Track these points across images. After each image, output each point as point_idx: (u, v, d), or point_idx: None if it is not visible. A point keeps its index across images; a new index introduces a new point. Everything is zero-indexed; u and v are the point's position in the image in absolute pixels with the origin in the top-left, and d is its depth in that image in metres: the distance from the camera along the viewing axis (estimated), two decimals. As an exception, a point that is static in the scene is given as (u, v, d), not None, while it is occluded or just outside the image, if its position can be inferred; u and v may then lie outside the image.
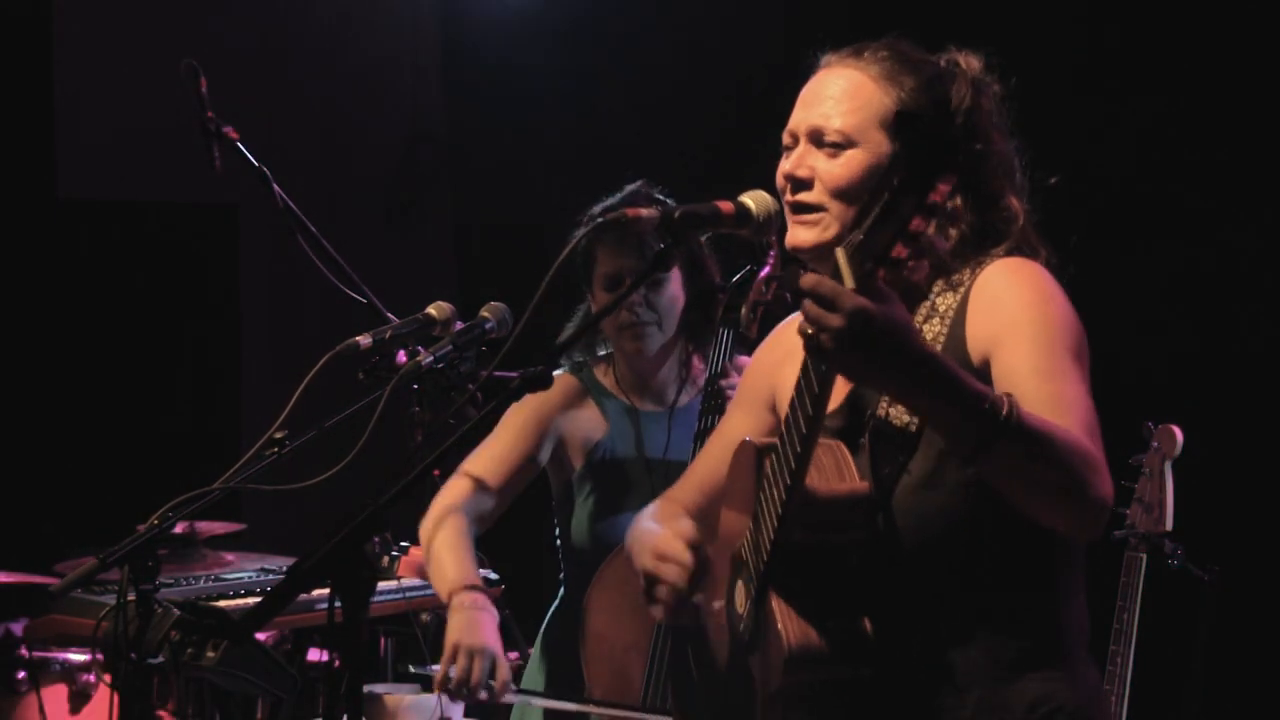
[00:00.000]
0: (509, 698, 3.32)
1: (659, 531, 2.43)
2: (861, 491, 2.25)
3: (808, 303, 2.00)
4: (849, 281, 1.98)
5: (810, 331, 2.01)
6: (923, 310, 2.36)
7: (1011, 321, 2.26)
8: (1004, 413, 2.07)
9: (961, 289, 2.33)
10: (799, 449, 2.17)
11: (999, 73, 2.43)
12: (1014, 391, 2.20)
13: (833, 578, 2.25)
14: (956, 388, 2.07)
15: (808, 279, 2.01)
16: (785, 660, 2.22)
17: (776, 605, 2.24)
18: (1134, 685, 3.81)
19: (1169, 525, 3.87)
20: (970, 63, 2.39)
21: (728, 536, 2.42)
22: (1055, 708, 2.29)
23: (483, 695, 3.22)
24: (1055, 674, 2.30)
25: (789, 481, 2.19)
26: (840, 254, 2.00)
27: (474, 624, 3.26)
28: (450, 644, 3.22)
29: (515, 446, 3.58)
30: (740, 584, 2.36)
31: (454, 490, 3.50)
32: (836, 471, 2.26)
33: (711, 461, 2.58)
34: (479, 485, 3.51)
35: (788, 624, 2.23)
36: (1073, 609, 2.35)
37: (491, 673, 3.20)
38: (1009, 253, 2.36)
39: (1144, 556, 3.86)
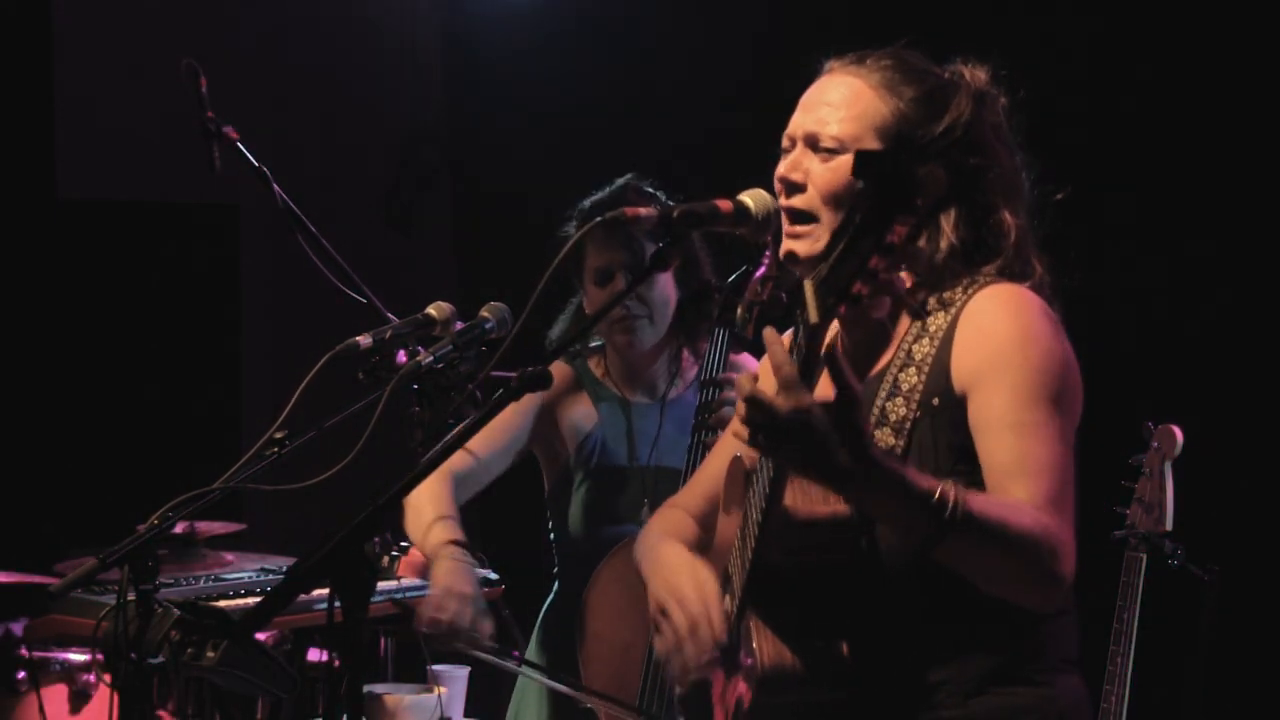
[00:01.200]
0: (527, 671, 3.33)
1: (694, 591, 2.37)
2: (842, 515, 2.25)
3: (750, 395, 2.00)
4: (814, 315, 1.98)
5: (749, 433, 2.03)
6: (913, 330, 2.34)
7: (993, 360, 2.24)
8: (950, 508, 2.06)
9: (953, 309, 2.31)
10: (773, 474, 2.17)
11: (1007, 85, 2.42)
12: (987, 443, 2.21)
13: (810, 599, 2.25)
14: (902, 487, 2.06)
15: (742, 388, 2.01)
16: (758, 680, 2.22)
17: (754, 624, 2.24)
18: (1134, 685, 3.81)
19: (1169, 525, 3.87)
20: (976, 75, 2.38)
21: (723, 545, 2.42)
22: None
23: (461, 644, 3.24)
24: (1032, 689, 2.30)
25: (764, 506, 2.20)
26: (808, 286, 2.00)
27: (461, 572, 3.28)
28: (440, 587, 3.24)
29: (505, 420, 3.59)
30: (726, 597, 2.36)
31: None
32: (820, 493, 2.25)
33: (717, 469, 2.58)
34: (464, 449, 3.52)
35: (763, 644, 2.23)
36: (1056, 624, 2.33)
37: (473, 623, 3.22)
38: (1000, 272, 2.33)
39: (1144, 556, 3.86)
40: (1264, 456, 4.50)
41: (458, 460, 3.51)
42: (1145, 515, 3.89)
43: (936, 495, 2.06)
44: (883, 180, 1.92)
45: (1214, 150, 4.57)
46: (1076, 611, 2.38)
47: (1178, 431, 3.90)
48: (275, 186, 3.83)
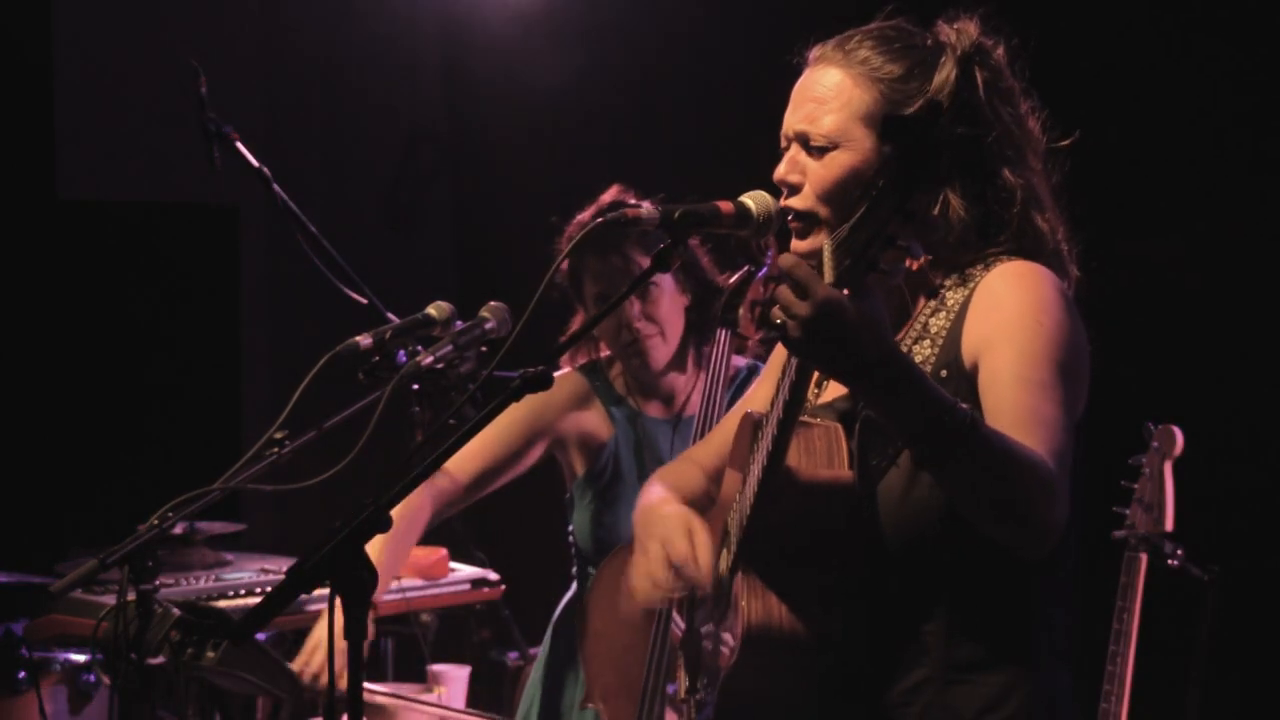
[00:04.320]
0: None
1: (676, 527, 2.39)
2: (844, 480, 2.25)
3: (781, 287, 1.98)
4: (829, 275, 1.98)
5: (780, 319, 1.99)
6: (930, 305, 2.34)
7: (1005, 325, 2.24)
8: (965, 423, 2.03)
9: (971, 285, 2.31)
10: (777, 432, 2.17)
11: (1004, 36, 2.38)
12: (992, 397, 2.20)
13: (803, 562, 2.25)
14: (920, 391, 2.03)
15: (786, 259, 1.99)
16: (743, 636, 2.23)
17: (746, 580, 2.25)
18: (1134, 685, 3.81)
19: (1169, 525, 3.87)
20: (964, 32, 2.35)
21: (726, 499, 2.43)
22: (1008, 715, 2.28)
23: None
24: (1014, 679, 2.29)
25: (767, 463, 2.20)
26: (826, 246, 2.00)
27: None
28: (313, 639, 3.29)
29: (497, 442, 3.58)
30: (725, 551, 2.38)
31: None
32: (826, 456, 2.26)
33: (733, 425, 2.58)
34: (445, 473, 3.51)
35: (751, 601, 2.24)
36: (1048, 614, 2.32)
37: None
38: (1017, 245, 2.32)
39: (1144, 556, 3.86)
40: (1264, 456, 4.50)
41: (438, 487, 3.51)
42: (1145, 515, 3.88)
43: (952, 407, 2.03)
44: (908, 145, 1.90)
45: (1217, 148, 4.56)
46: (1070, 606, 2.36)
47: (1178, 431, 3.90)
48: (275, 186, 3.84)
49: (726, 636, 2.32)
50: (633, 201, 3.54)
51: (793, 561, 2.25)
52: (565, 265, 3.58)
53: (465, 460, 3.54)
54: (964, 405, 2.05)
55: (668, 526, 2.38)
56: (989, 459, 2.06)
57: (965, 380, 2.26)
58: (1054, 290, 2.29)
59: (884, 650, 2.29)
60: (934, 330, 2.32)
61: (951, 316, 2.31)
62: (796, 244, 2.37)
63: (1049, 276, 2.30)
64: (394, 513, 3.32)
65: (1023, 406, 2.17)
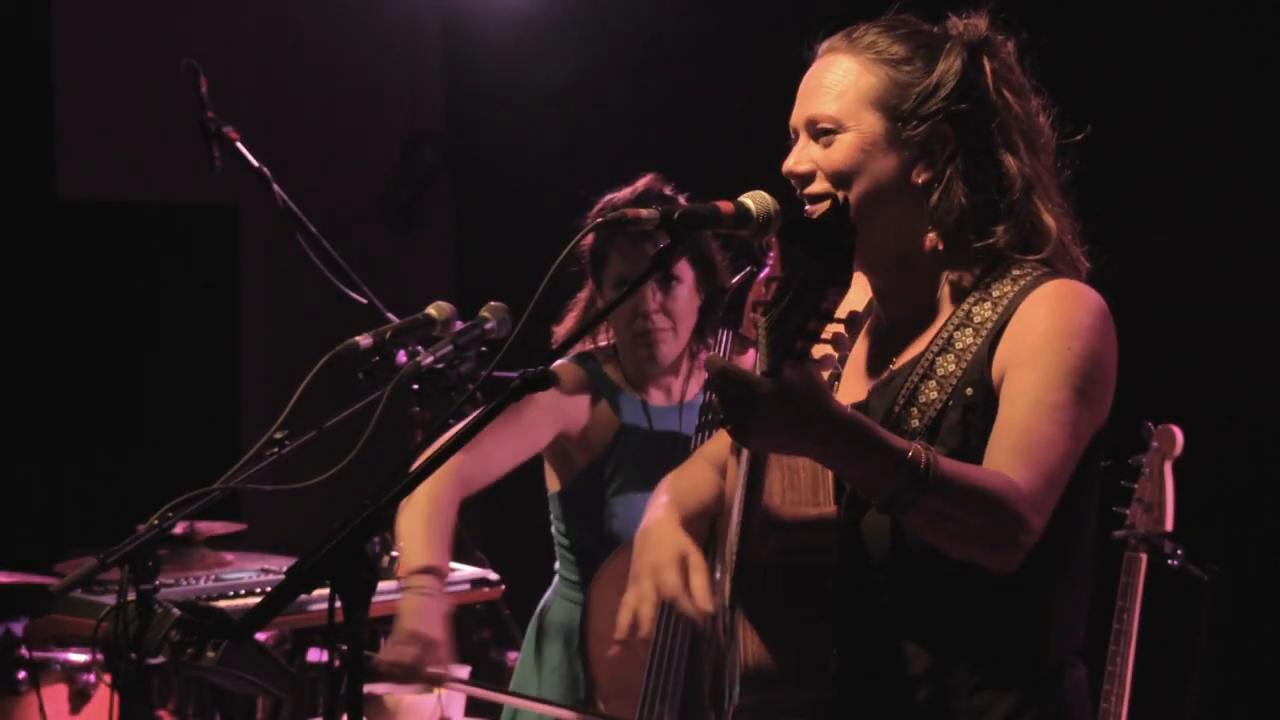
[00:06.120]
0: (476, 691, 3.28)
1: (672, 553, 2.39)
2: (830, 516, 2.24)
3: (720, 390, 1.99)
4: (763, 363, 1.98)
5: (724, 418, 2.00)
6: (956, 316, 2.32)
7: (1033, 348, 2.23)
8: (922, 468, 2.04)
9: (1002, 304, 2.29)
10: (749, 479, 2.17)
11: (1014, 30, 2.38)
12: (1004, 415, 2.20)
13: (797, 599, 2.24)
14: (874, 446, 2.04)
15: (713, 362, 2.00)
16: (741, 677, 2.22)
17: (741, 620, 2.24)
18: (1134, 685, 3.81)
19: (1169, 525, 3.87)
20: (973, 25, 2.36)
21: (731, 496, 2.42)
22: None
23: (416, 685, 3.20)
24: (1026, 697, 2.27)
25: (744, 507, 2.20)
26: (761, 326, 2.00)
27: (427, 613, 3.21)
28: (403, 630, 3.16)
29: (530, 440, 3.54)
30: (726, 580, 2.37)
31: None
32: (811, 491, 2.25)
33: None
34: (474, 453, 3.47)
35: (748, 642, 2.22)
36: (1056, 627, 2.30)
37: (435, 670, 3.18)
38: (1017, 235, 2.31)
39: (1144, 556, 3.86)
40: (1264, 456, 4.50)
41: (465, 467, 3.46)
42: (1145, 515, 3.88)
43: (910, 454, 2.05)
44: (816, 250, 1.91)
45: (1214, 148, 4.56)
46: (1080, 596, 2.34)
47: (1178, 431, 3.90)
48: (275, 186, 3.83)
49: (729, 675, 2.31)
50: (668, 191, 3.58)
51: (785, 598, 2.24)
52: (589, 242, 3.57)
53: (497, 457, 3.50)
54: (920, 450, 2.06)
55: (661, 556, 2.37)
56: (950, 498, 2.07)
57: (993, 399, 2.24)
58: (1089, 314, 2.27)
59: (884, 679, 2.28)
60: (959, 346, 2.29)
61: (982, 334, 2.29)
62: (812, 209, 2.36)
63: (1088, 299, 2.29)
64: (426, 504, 3.33)
65: (1027, 428, 2.17)
